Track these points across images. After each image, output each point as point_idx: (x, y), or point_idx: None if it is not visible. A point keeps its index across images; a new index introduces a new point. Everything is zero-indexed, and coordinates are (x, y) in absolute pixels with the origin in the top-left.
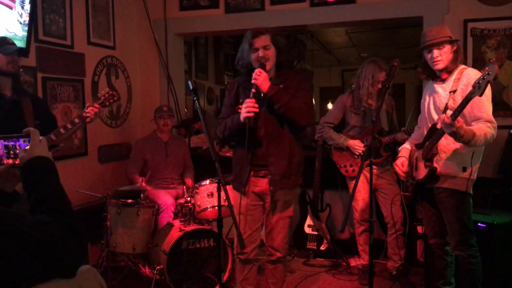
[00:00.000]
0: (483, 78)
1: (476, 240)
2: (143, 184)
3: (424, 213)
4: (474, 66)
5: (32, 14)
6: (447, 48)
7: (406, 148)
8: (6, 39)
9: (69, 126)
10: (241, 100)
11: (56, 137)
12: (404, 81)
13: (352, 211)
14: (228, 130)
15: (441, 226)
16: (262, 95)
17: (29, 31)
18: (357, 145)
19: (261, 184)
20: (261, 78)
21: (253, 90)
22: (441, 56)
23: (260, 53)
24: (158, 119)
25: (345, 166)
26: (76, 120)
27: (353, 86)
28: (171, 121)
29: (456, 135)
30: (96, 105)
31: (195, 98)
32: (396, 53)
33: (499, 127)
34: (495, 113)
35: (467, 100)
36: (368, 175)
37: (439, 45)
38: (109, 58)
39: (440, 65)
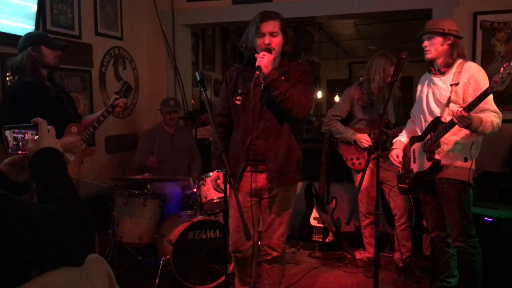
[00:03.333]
0: (509, 73)
1: (483, 234)
2: (155, 160)
3: (425, 207)
4: (483, 60)
5: (40, 4)
6: (438, 40)
7: (400, 141)
8: (48, 35)
9: (106, 114)
10: (240, 91)
11: (98, 124)
12: (412, 74)
13: (358, 204)
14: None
15: (441, 219)
16: (263, 79)
17: (37, 22)
18: (365, 139)
19: (259, 179)
20: (265, 59)
21: (257, 72)
22: (429, 47)
23: (266, 40)
24: (164, 114)
25: (351, 159)
26: (110, 109)
27: (361, 78)
28: (177, 115)
29: (466, 124)
30: (124, 99)
31: (202, 90)
32: (404, 46)
33: (507, 121)
34: (503, 106)
35: (485, 94)
36: (374, 168)
37: (428, 35)
38: (116, 49)
39: (427, 55)
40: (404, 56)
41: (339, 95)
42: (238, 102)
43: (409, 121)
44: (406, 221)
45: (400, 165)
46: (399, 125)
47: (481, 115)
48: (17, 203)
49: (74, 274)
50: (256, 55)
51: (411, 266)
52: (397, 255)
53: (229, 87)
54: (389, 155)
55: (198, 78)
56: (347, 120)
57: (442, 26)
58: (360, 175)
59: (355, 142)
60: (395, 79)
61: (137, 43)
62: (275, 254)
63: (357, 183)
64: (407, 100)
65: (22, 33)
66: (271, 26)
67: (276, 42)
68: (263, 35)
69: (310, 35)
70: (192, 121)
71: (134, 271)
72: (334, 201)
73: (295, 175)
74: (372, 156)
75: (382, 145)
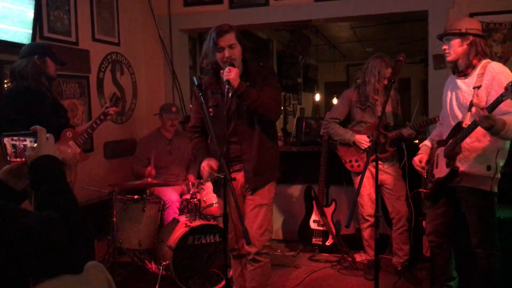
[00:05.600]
0: None
1: None
2: (152, 172)
3: (434, 208)
4: None
5: (37, 11)
6: (456, 41)
7: (426, 145)
8: (52, 49)
9: (98, 121)
10: (210, 104)
11: (92, 130)
12: (409, 76)
13: (357, 207)
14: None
15: (444, 226)
16: (231, 93)
17: (34, 28)
18: (364, 140)
19: (239, 177)
20: (232, 73)
21: (227, 86)
22: (448, 49)
23: (226, 53)
24: (165, 119)
25: (350, 161)
26: (102, 117)
27: (358, 81)
28: (178, 122)
29: (488, 126)
30: (115, 108)
31: (200, 94)
32: (401, 48)
33: None
34: None
35: (497, 102)
36: (373, 170)
37: (447, 38)
38: (114, 55)
39: (447, 58)
40: (401, 58)
41: (337, 98)
42: (210, 114)
43: (437, 123)
44: (404, 225)
45: (423, 170)
46: (398, 127)
47: (505, 117)
48: (14, 212)
49: (73, 281)
50: (221, 71)
51: (410, 269)
52: (395, 259)
53: (199, 102)
54: (412, 161)
55: (196, 83)
56: (345, 123)
57: (458, 26)
58: (359, 177)
59: (354, 143)
60: (393, 81)
61: (135, 48)
62: (253, 250)
63: (356, 186)
64: (405, 101)
65: (19, 40)
66: (228, 39)
67: (236, 53)
68: (222, 49)
69: (307, 38)
70: None
71: (134, 277)
72: (333, 203)
73: (271, 172)
74: (371, 158)
75: (381, 148)
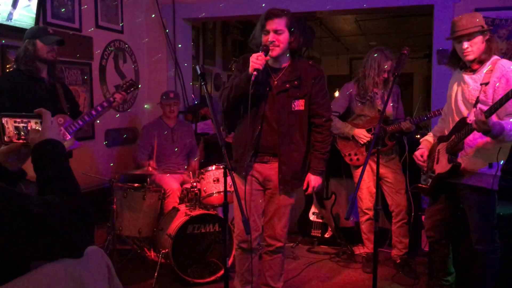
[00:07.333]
0: None
1: None
2: (151, 167)
3: (434, 204)
4: None
5: None
6: (479, 39)
7: (427, 140)
8: (47, 29)
9: (99, 108)
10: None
11: (89, 117)
12: (412, 71)
13: (357, 200)
14: (235, 89)
15: (443, 222)
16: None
17: (37, 14)
18: (363, 134)
19: (264, 169)
20: (315, 185)
21: (254, 73)
22: (471, 48)
23: (270, 37)
24: (164, 106)
25: (349, 154)
26: (105, 104)
27: (360, 74)
28: (177, 108)
29: (484, 130)
30: (123, 92)
31: (203, 83)
32: (405, 42)
33: None
34: None
35: (506, 98)
36: (373, 164)
37: (469, 36)
38: (117, 42)
39: (470, 57)
40: (405, 51)
41: (339, 91)
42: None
43: (440, 119)
44: (404, 218)
45: (425, 164)
46: (398, 121)
47: (504, 121)
48: (15, 196)
49: (73, 266)
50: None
51: (409, 262)
52: (394, 252)
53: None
54: (413, 155)
55: (199, 72)
56: (344, 116)
57: (479, 22)
58: (358, 170)
59: (353, 137)
60: (396, 74)
61: (138, 36)
62: (278, 244)
63: (355, 179)
64: (407, 97)
65: (22, 25)
66: (276, 23)
67: (281, 39)
68: (268, 32)
69: (311, 30)
70: (192, 115)
71: (133, 264)
72: (333, 196)
73: (304, 176)
74: (373, 151)
75: (381, 141)
